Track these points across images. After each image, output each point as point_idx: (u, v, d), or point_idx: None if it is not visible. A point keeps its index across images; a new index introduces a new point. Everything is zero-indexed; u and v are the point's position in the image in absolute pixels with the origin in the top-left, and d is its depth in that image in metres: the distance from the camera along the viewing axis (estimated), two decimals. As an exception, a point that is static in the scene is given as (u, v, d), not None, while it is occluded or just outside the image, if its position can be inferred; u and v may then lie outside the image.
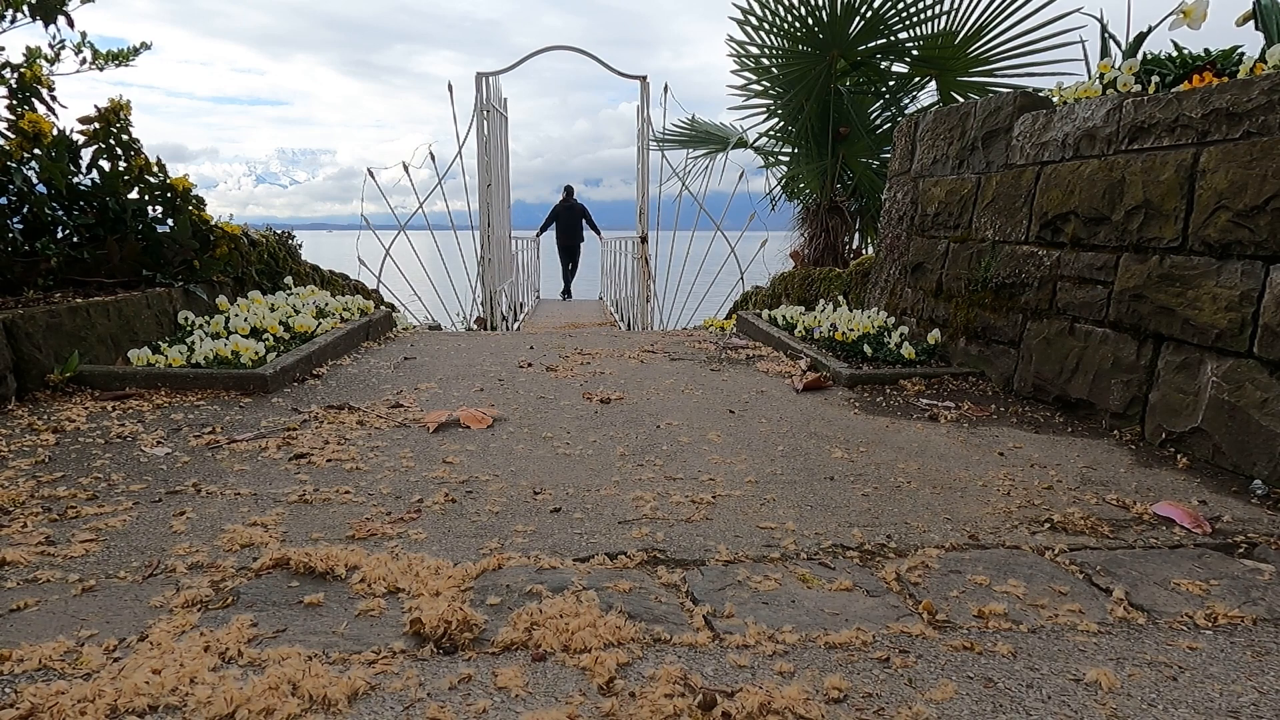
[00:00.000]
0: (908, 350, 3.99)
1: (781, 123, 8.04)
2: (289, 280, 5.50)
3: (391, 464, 2.48)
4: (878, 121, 7.86)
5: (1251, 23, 3.22)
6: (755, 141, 8.65)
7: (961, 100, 6.72)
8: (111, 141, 4.35)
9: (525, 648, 1.40)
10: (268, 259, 5.43)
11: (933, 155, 4.46)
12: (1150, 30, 3.63)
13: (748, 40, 7.45)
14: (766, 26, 7.28)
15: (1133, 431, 2.92)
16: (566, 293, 15.65)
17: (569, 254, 14.78)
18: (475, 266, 9.66)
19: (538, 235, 15.15)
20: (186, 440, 2.65)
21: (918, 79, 7.46)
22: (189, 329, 4.05)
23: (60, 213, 4.11)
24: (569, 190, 14.70)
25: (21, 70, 4.16)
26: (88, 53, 4.91)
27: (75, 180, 4.22)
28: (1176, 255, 2.76)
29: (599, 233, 14.71)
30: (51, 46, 4.68)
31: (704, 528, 2.00)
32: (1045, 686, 1.32)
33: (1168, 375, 2.77)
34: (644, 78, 9.95)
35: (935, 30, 6.95)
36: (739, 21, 7.28)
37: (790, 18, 7.12)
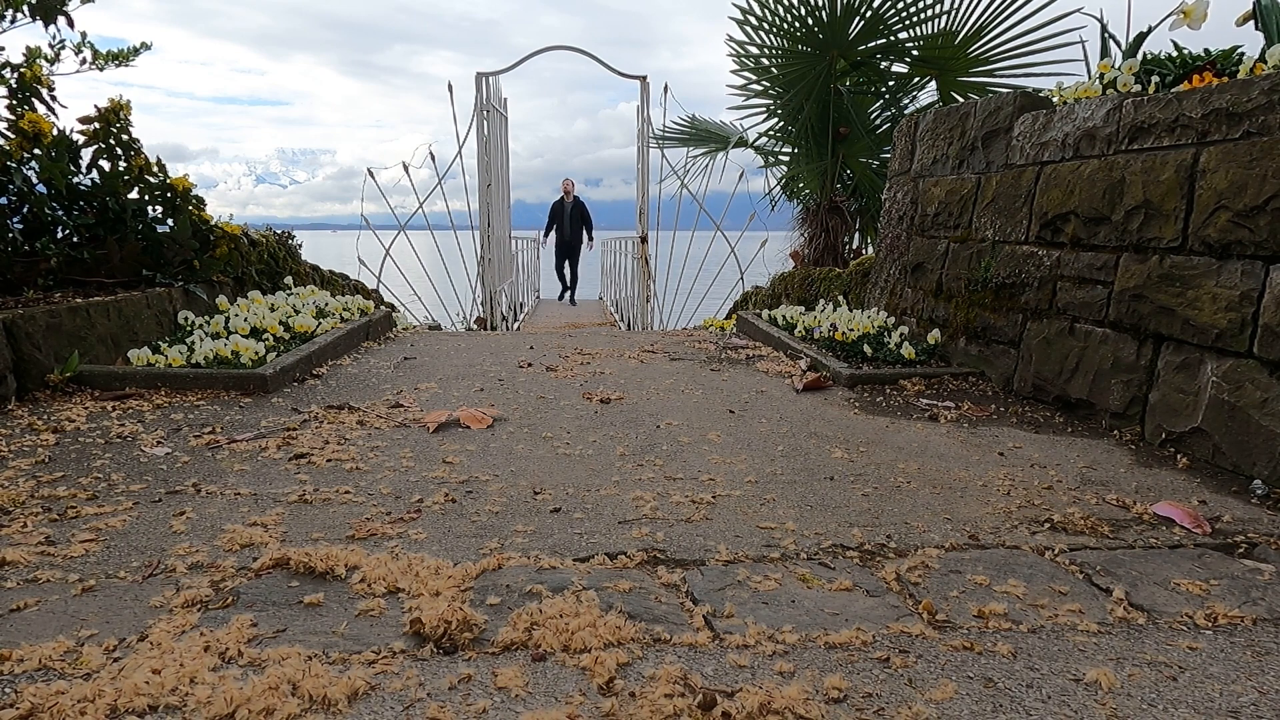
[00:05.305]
0: (908, 350, 3.99)
1: (781, 122, 8.04)
2: (289, 280, 5.49)
3: (391, 464, 2.48)
4: (878, 121, 7.86)
5: (1251, 23, 3.22)
6: (755, 141, 8.64)
7: (961, 100, 6.72)
8: (111, 141, 4.35)
9: (525, 648, 1.40)
10: (268, 259, 5.43)
11: (933, 155, 4.46)
12: (1150, 30, 3.63)
13: (747, 40, 7.46)
14: (766, 26, 7.28)
15: (1133, 431, 2.92)
16: (569, 298, 14.49)
17: (565, 253, 13.66)
18: (475, 266, 9.66)
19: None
20: (186, 440, 2.65)
21: (918, 79, 7.47)
22: (189, 329, 4.05)
23: (60, 213, 4.11)
24: (567, 185, 13.45)
25: (21, 70, 4.16)
26: (88, 53, 4.91)
27: (75, 180, 4.22)
28: (1176, 255, 2.76)
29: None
30: (51, 46, 4.69)
31: (704, 528, 2.00)
32: (1045, 686, 1.32)
33: (1168, 375, 2.77)
34: (644, 78, 9.93)
35: (935, 30, 6.95)
36: (739, 21, 7.29)
37: (790, 18, 7.12)
